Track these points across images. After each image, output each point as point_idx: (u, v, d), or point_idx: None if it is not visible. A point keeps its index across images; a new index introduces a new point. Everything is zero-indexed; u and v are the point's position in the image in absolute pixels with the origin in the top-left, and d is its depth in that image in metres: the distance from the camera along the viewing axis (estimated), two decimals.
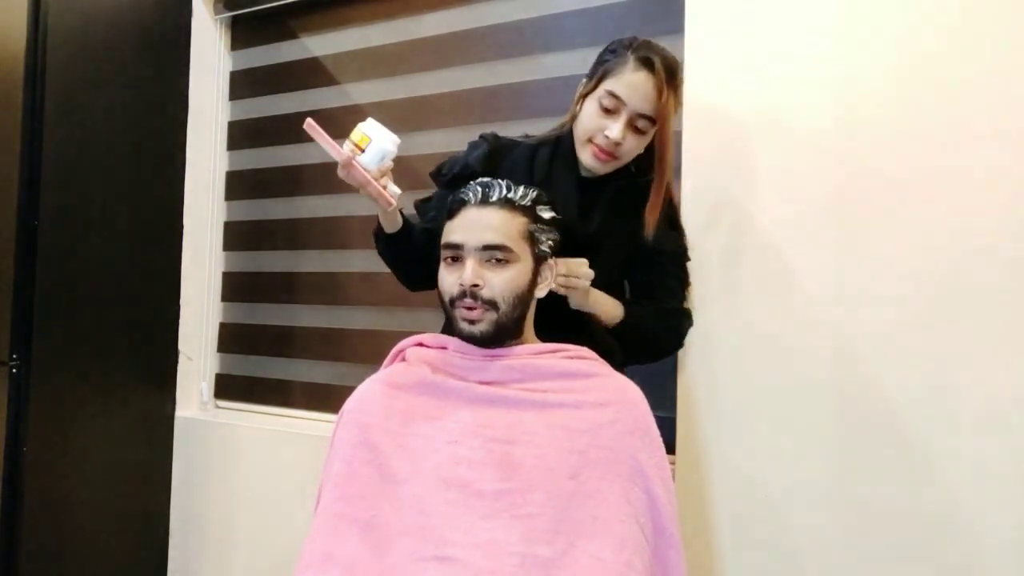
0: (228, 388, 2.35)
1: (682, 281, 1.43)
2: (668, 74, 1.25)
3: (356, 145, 1.19)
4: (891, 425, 1.35)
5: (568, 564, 1.00)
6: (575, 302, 1.28)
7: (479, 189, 1.15)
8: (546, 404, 1.10)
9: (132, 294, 2.11)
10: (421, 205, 1.45)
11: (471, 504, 1.03)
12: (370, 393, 1.16)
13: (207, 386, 2.34)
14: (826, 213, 1.40)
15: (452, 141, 1.95)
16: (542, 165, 1.38)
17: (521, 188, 1.17)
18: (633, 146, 1.29)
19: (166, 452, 2.23)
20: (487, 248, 1.12)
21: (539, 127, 1.82)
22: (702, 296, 1.50)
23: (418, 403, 1.13)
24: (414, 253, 1.34)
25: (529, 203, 1.16)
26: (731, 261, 1.48)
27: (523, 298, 1.15)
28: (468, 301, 1.11)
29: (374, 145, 1.18)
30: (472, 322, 1.12)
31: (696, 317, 1.51)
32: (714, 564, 1.49)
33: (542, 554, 0.99)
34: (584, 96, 1.31)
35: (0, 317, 1.86)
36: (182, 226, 2.26)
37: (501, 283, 1.12)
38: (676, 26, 1.62)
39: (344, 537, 1.05)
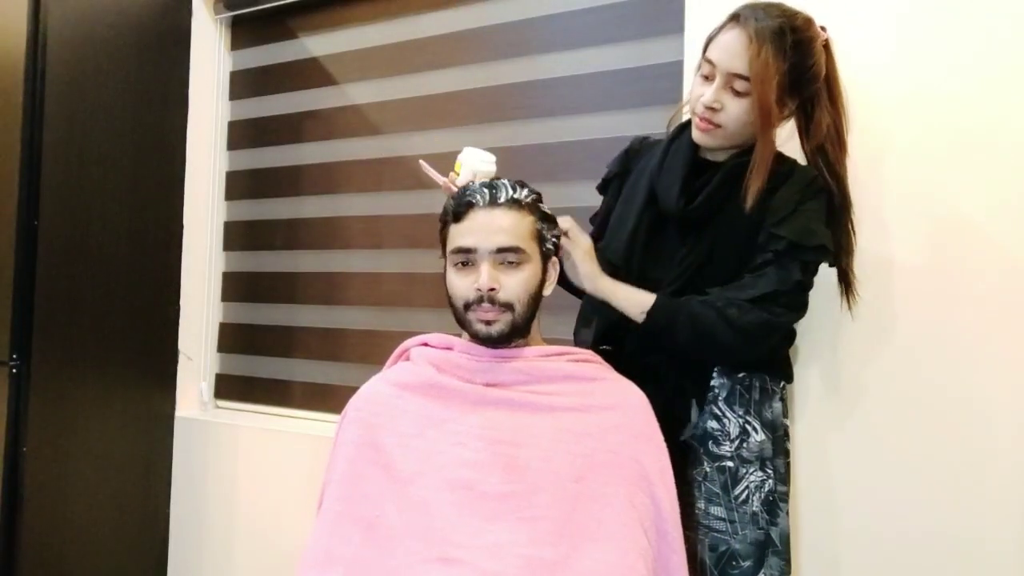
0: (228, 388, 2.35)
1: (786, 275, 1.14)
2: (762, 27, 1.11)
3: (455, 171, 1.30)
4: (892, 424, 1.35)
5: (572, 566, 1.00)
6: (576, 274, 1.22)
7: (486, 191, 1.13)
8: (551, 407, 1.10)
9: (132, 294, 2.10)
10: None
11: (476, 506, 1.03)
12: (375, 393, 1.16)
13: (207, 386, 2.34)
14: None
15: (452, 141, 1.95)
16: (662, 151, 1.30)
17: (526, 190, 1.16)
18: (736, 111, 1.15)
19: (166, 452, 2.23)
20: (501, 251, 1.11)
21: (539, 127, 1.84)
22: None
23: (424, 404, 1.12)
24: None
25: (532, 201, 1.16)
26: None
27: (536, 298, 1.15)
28: (485, 306, 1.10)
29: (464, 168, 1.28)
30: (488, 323, 1.11)
31: None
32: None
33: (547, 556, 0.99)
34: (695, 74, 1.22)
35: (0, 317, 1.86)
36: (182, 226, 2.25)
37: (516, 285, 1.11)
38: (676, 26, 1.62)
39: (347, 537, 1.05)
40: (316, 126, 2.19)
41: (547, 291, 1.19)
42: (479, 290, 1.10)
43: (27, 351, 1.86)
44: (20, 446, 1.85)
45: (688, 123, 1.26)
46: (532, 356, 1.15)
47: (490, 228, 1.11)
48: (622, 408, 1.12)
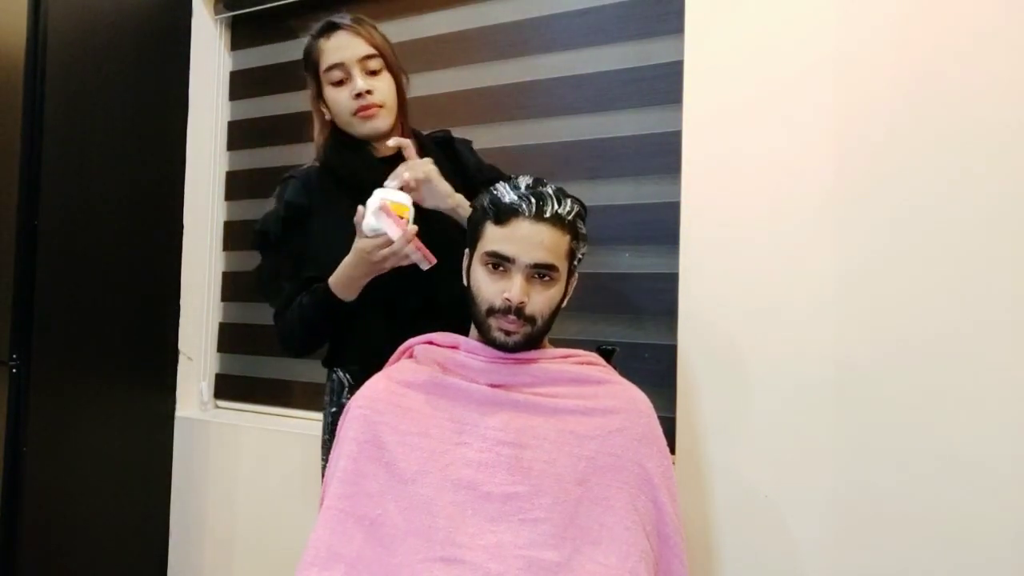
0: (228, 388, 2.35)
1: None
2: (354, 20, 1.37)
3: (402, 217, 1.20)
4: (892, 425, 1.35)
5: (574, 569, 1.00)
6: (438, 200, 1.30)
7: (533, 201, 1.10)
8: (556, 409, 1.10)
9: (132, 294, 2.10)
10: (273, 275, 1.40)
11: (479, 506, 1.03)
12: (378, 390, 1.15)
13: (207, 386, 2.34)
14: (827, 212, 1.41)
15: None
16: (339, 165, 1.39)
17: (568, 201, 1.13)
18: (383, 86, 1.36)
19: (166, 452, 2.23)
20: (538, 266, 1.10)
21: (539, 127, 1.84)
22: (700, 294, 1.51)
23: (427, 402, 1.12)
24: (335, 324, 1.33)
25: (573, 218, 1.14)
26: (730, 260, 1.48)
27: (556, 313, 1.15)
28: (511, 317, 1.10)
29: (412, 213, 1.22)
30: (508, 333, 1.11)
31: (695, 317, 1.51)
32: (713, 564, 1.49)
33: (549, 558, 1.00)
34: (317, 98, 1.40)
35: (0, 317, 1.85)
36: (182, 226, 2.25)
37: (543, 301, 1.11)
38: (676, 26, 1.62)
39: (350, 535, 1.05)
40: None
41: (563, 304, 1.19)
42: (508, 300, 1.09)
43: (27, 351, 1.86)
44: (20, 446, 1.85)
45: (335, 140, 1.40)
46: (537, 358, 1.15)
47: (532, 242, 1.09)
48: (626, 411, 1.12)
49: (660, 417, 1.17)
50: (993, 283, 1.29)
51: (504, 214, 1.11)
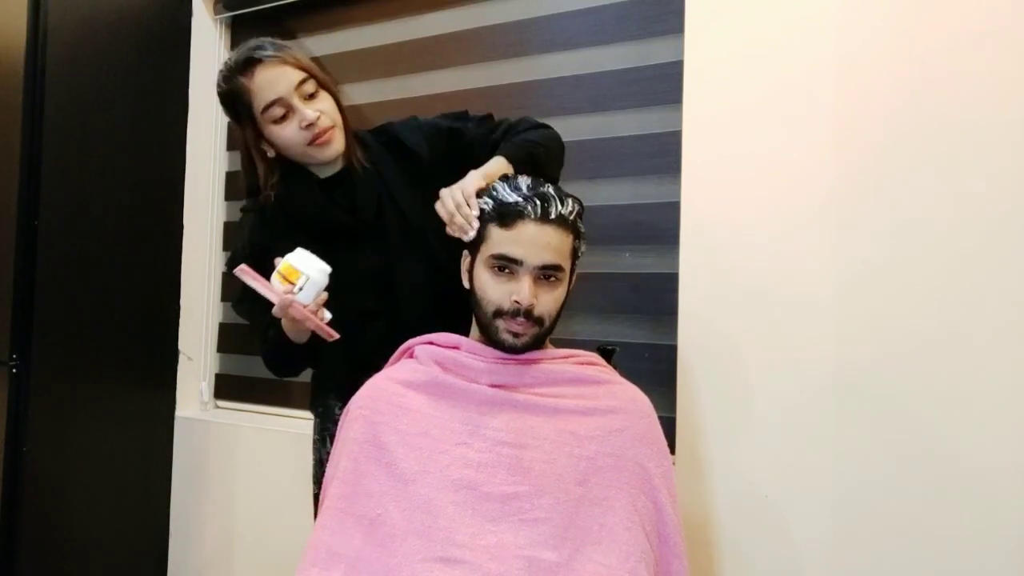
0: (228, 388, 2.35)
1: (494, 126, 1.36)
2: (273, 47, 1.28)
3: (289, 281, 1.13)
4: (891, 425, 1.35)
5: (574, 569, 1.00)
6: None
7: (538, 203, 1.09)
8: (556, 409, 1.10)
9: (132, 294, 2.11)
10: (247, 303, 1.36)
11: (479, 507, 1.03)
12: (379, 390, 1.15)
13: (207, 386, 2.34)
14: (826, 212, 1.41)
15: None
16: (286, 201, 1.34)
17: (569, 201, 1.13)
18: (326, 107, 1.29)
19: (166, 452, 2.23)
20: (545, 267, 1.10)
21: None
22: (700, 294, 1.51)
23: (427, 403, 1.12)
24: (307, 355, 1.33)
25: (575, 218, 1.14)
26: (730, 260, 1.49)
27: (561, 312, 1.15)
28: (520, 320, 1.09)
29: (311, 283, 1.14)
30: (517, 335, 1.11)
31: (695, 317, 1.51)
32: (713, 564, 1.49)
33: (549, 559, 1.00)
34: (256, 139, 1.31)
35: (0, 317, 1.86)
36: (182, 226, 2.26)
37: (550, 302, 1.11)
38: (676, 26, 1.63)
39: (350, 534, 1.05)
40: None
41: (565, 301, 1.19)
42: (517, 303, 1.09)
43: (27, 351, 1.86)
44: (20, 446, 1.85)
45: (283, 178, 1.34)
46: (538, 359, 1.15)
47: (538, 244, 1.09)
48: (626, 411, 1.12)
49: (660, 417, 1.17)
50: (994, 283, 1.29)
51: (509, 216, 1.10)
